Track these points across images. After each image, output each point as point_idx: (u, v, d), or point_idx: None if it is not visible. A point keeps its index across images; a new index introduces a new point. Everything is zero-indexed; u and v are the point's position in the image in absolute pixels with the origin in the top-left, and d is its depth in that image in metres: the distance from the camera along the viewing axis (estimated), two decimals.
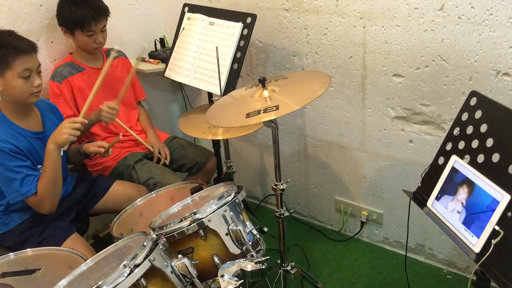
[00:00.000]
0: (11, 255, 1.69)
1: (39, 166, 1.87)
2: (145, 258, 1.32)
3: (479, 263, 1.26)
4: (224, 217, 1.60)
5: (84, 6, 2.14)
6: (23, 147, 1.81)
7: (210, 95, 2.45)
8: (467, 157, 1.42)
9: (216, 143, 2.59)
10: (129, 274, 1.27)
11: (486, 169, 1.34)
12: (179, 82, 2.48)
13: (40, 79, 1.82)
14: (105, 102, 2.08)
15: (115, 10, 2.60)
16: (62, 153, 1.99)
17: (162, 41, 2.82)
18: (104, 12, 2.22)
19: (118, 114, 2.12)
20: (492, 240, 1.24)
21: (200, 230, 1.56)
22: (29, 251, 1.71)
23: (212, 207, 1.60)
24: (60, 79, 2.21)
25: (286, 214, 2.01)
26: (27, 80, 1.77)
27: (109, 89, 2.36)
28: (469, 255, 1.31)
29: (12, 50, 1.73)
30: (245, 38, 2.14)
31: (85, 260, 1.50)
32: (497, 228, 1.25)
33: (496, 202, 1.27)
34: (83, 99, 2.26)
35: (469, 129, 1.44)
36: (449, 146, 1.51)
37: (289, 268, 2.11)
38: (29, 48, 1.78)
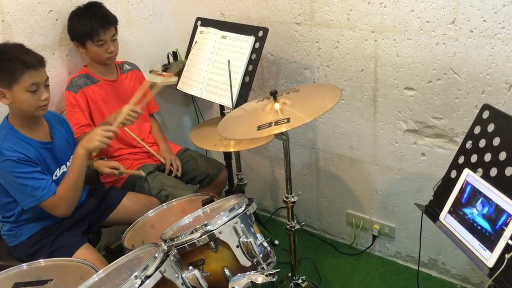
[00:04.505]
0: (24, 265, 1.70)
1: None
2: (156, 270, 1.32)
3: (493, 278, 1.24)
4: (235, 229, 1.60)
5: (91, 18, 2.20)
6: (31, 155, 1.81)
7: (222, 107, 2.46)
8: (480, 170, 1.40)
9: (227, 155, 2.60)
10: (140, 285, 1.26)
11: (499, 183, 1.32)
12: (191, 95, 2.50)
13: (47, 93, 1.83)
14: (127, 105, 2.08)
15: (129, 24, 2.65)
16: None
17: (175, 54, 2.86)
18: (111, 21, 2.26)
19: (138, 117, 2.12)
20: (506, 255, 1.23)
21: (211, 242, 1.56)
22: (41, 262, 1.72)
23: (223, 219, 1.60)
24: (76, 89, 2.24)
25: (297, 227, 2.00)
26: (35, 94, 1.78)
27: (122, 100, 2.38)
28: (483, 269, 1.30)
29: (20, 64, 1.73)
30: (257, 52, 2.16)
31: (97, 271, 1.51)
32: (510, 242, 1.23)
33: (509, 216, 1.25)
34: (97, 110, 2.30)
35: (482, 143, 1.43)
36: (461, 160, 1.50)
37: (300, 281, 2.10)
38: (37, 62, 1.78)
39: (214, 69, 2.28)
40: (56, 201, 1.84)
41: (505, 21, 1.77)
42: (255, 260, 1.60)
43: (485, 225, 1.33)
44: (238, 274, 1.51)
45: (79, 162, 1.87)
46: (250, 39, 2.17)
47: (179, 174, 2.40)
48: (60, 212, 1.88)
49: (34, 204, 1.82)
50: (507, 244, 1.24)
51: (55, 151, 1.94)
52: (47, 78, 1.83)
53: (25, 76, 1.74)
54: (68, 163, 2.00)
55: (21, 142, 1.83)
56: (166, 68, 2.77)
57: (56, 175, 1.94)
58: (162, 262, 1.36)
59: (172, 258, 1.41)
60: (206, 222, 1.58)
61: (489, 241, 1.30)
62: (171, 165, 2.40)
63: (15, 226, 1.94)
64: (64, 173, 1.97)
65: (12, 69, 1.73)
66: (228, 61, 2.10)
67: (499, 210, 1.29)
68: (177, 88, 2.46)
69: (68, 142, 2.04)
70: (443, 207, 1.50)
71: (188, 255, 1.58)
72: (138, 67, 2.55)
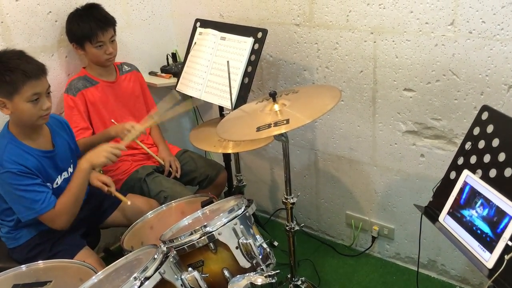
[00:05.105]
0: (23, 267, 1.69)
1: (48, 184, 1.86)
2: (155, 271, 1.32)
3: (492, 279, 1.24)
4: (234, 230, 1.60)
5: (90, 19, 2.20)
6: (32, 166, 1.78)
7: (221, 109, 2.46)
8: (479, 171, 1.41)
9: (226, 156, 2.60)
10: (139, 287, 1.27)
11: (498, 184, 1.32)
12: (191, 96, 2.50)
13: (49, 102, 1.79)
14: (138, 125, 2.08)
15: (129, 26, 2.65)
16: (72, 171, 2.00)
17: (174, 55, 2.86)
18: (110, 22, 2.26)
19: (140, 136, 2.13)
20: (505, 256, 1.23)
21: (211, 243, 1.56)
22: (40, 263, 1.71)
23: (223, 220, 1.60)
24: (75, 92, 2.24)
25: (297, 228, 2.00)
26: (36, 104, 1.74)
27: (121, 101, 2.39)
28: (482, 271, 1.30)
29: (21, 75, 1.68)
30: (256, 53, 2.16)
31: (96, 273, 1.51)
32: (510, 243, 1.23)
33: (509, 217, 1.25)
34: (96, 113, 2.30)
35: (481, 144, 1.44)
36: (460, 161, 1.50)
37: (299, 283, 2.09)
38: (38, 72, 1.74)
39: (213, 71, 2.28)
40: (55, 214, 1.80)
41: (504, 22, 1.78)
42: (254, 262, 1.60)
43: (485, 228, 1.32)
44: (238, 276, 1.51)
45: (83, 177, 1.83)
46: (249, 41, 2.17)
47: (178, 176, 2.40)
48: (57, 225, 1.83)
49: (32, 217, 1.78)
50: (507, 245, 1.24)
51: (56, 159, 1.91)
52: (49, 86, 1.79)
53: (26, 86, 1.70)
54: (69, 169, 1.99)
55: (22, 152, 1.79)
56: (165, 69, 2.77)
57: (57, 183, 1.91)
58: (161, 264, 1.36)
59: (171, 260, 1.41)
60: (205, 224, 1.58)
61: (488, 243, 1.30)
62: (170, 166, 2.39)
63: (14, 229, 1.93)
64: (65, 180, 1.95)
65: (13, 79, 1.69)
66: (227, 62, 2.10)
67: (499, 212, 1.29)
68: (176, 89, 2.46)
69: (70, 147, 2.02)
70: (442, 208, 1.50)
71: (187, 257, 1.58)
72: (137, 67, 2.55)
